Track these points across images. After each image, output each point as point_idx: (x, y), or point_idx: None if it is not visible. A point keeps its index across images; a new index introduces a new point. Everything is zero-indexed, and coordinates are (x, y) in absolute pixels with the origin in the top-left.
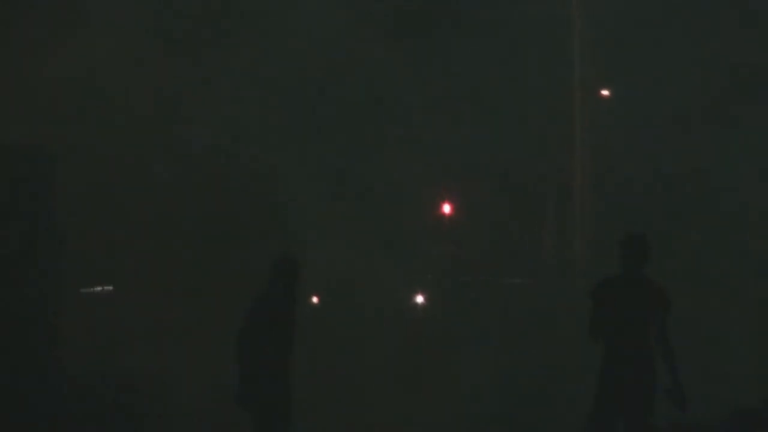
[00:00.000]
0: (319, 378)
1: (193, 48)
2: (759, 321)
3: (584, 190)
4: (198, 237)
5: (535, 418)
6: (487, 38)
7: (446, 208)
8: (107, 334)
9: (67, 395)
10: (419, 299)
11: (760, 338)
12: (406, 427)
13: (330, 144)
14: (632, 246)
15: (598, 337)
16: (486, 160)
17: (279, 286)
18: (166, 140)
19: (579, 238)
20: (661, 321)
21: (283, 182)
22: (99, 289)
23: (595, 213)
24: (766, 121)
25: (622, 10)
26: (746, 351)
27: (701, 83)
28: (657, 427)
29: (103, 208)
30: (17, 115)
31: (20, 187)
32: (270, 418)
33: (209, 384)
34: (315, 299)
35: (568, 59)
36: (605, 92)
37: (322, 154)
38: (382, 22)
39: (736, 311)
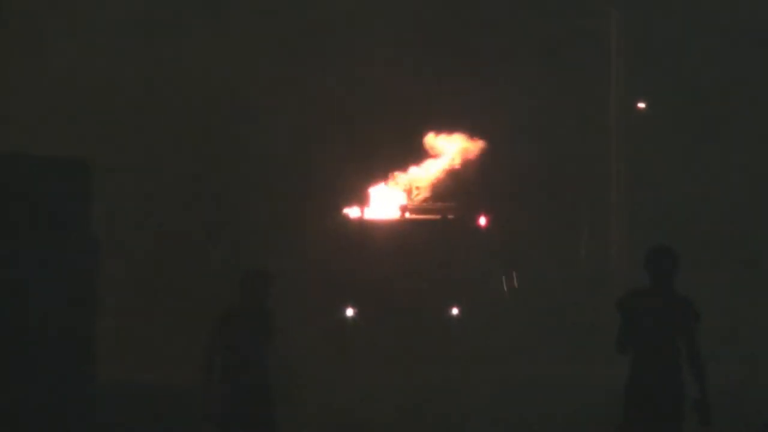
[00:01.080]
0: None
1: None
2: None
3: (620, 201)
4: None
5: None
6: (524, 51)
7: (482, 220)
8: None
9: (101, 404)
10: (454, 311)
11: None
12: None
13: None
14: (660, 258)
15: (626, 348)
16: (524, 170)
17: (249, 299)
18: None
19: (615, 248)
20: (691, 333)
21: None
22: None
23: (631, 223)
24: None
25: (660, 23)
26: None
27: (738, 95)
28: None
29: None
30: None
31: (55, 199)
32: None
33: None
34: (350, 311)
35: (606, 71)
36: (641, 105)
37: None
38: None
39: None
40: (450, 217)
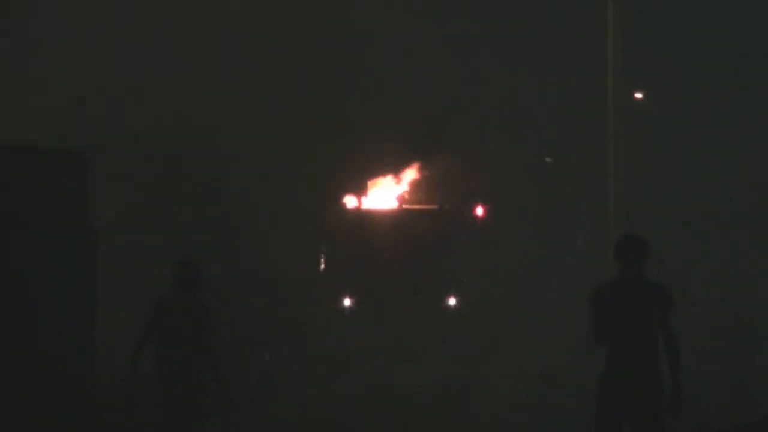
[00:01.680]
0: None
1: None
2: None
3: (617, 190)
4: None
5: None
6: (521, 39)
7: (479, 210)
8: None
9: (100, 402)
10: (451, 301)
11: None
12: None
13: None
14: (629, 248)
15: (602, 341)
16: (521, 158)
17: (181, 291)
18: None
19: (613, 236)
20: (664, 320)
21: None
22: None
23: (627, 211)
24: None
25: (658, 12)
26: None
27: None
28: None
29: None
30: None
31: (53, 191)
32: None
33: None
34: (348, 301)
35: (603, 59)
36: (638, 95)
37: None
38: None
39: None
40: (447, 207)
